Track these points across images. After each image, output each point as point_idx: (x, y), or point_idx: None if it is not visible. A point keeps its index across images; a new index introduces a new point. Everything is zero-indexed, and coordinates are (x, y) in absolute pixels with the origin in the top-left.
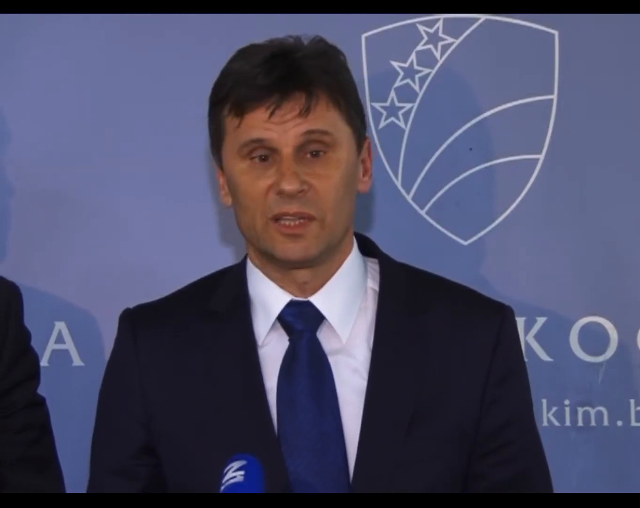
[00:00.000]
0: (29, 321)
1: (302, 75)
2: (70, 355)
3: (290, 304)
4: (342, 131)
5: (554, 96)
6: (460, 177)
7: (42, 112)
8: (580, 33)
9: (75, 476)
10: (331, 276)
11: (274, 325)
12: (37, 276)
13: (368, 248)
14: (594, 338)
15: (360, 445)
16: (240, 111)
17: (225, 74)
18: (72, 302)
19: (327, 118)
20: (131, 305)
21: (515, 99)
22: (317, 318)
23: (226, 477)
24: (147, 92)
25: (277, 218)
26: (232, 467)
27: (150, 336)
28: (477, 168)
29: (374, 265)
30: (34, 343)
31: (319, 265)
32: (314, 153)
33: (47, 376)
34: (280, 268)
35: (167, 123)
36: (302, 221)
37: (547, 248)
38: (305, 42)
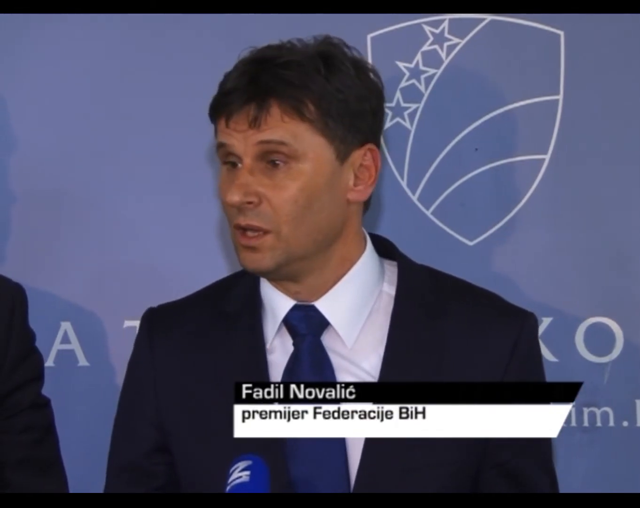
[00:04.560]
0: (35, 321)
1: (257, 85)
2: (76, 355)
3: (295, 307)
4: (306, 142)
5: (560, 97)
6: (466, 177)
7: (49, 112)
8: (586, 33)
9: (80, 476)
10: (335, 283)
11: (280, 328)
12: (43, 276)
13: (386, 250)
14: (599, 339)
15: (364, 451)
16: (213, 116)
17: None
18: (77, 302)
19: (284, 129)
20: (136, 305)
21: (520, 100)
22: (322, 323)
23: (232, 477)
24: (153, 92)
25: (237, 228)
26: (237, 467)
27: (166, 337)
28: (482, 168)
29: (391, 268)
30: (40, 343)
31: (305, 277)
32: (274, 163)
33: (53, 376)
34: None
35: (171, 122)
36: (258, 233)
37: (553, 248)
38: (310, 43)
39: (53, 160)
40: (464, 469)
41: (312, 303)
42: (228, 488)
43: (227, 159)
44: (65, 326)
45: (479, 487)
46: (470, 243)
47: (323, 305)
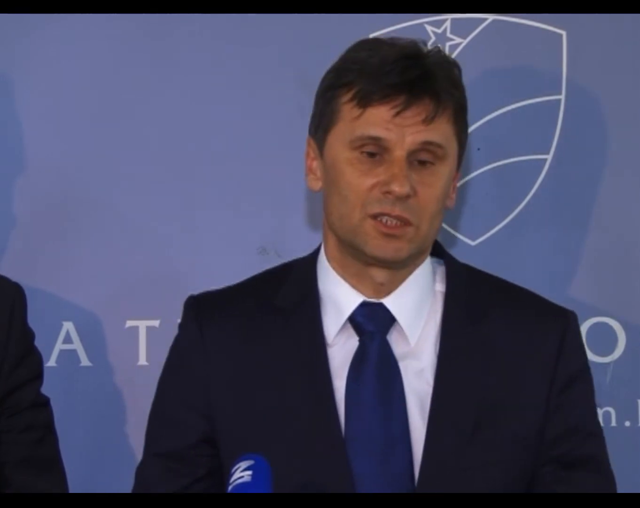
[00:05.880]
0: (37, 321)
1: (433, 81)
2: (78, 355)
3: (363, 304)
4: (452, 146)
5: (562, 96)
6: (468, 177)
7: (53, 113)
8: (588, 33)
9: (82, 476)
10: (402, 281)
11: (344, 324)
12: (46, 276)
13: (433, 247)
14: (602, 339)
15: (425, 450)
16: (365, 103)
17: (350, 60)
18: (79, 302)
19: (445, 131)
20: (138, 305)
21: (523, 99)
22: (389, 320)
23: (233, 477)
24: (161, 93)
25: (375, 216)
26: (239, 467)
27: (216, 325)
28: (485, 168)
29: (440, 267)
30: (42, 343)
31: (400, 269)
32: (422, 162)
33: (55, 376)
34: (359, 265)
35: (177, 124)
36: (399, 223)
37: (555, 248)
38: (424, 48)
39: (56, 162)
40: (521, 468)
41: (380, 301)
42: (230, 488)
43: (368, 148)
44: (68, 326)
45: (537, 483)
46: (473, 243)
47: (391, 303)
